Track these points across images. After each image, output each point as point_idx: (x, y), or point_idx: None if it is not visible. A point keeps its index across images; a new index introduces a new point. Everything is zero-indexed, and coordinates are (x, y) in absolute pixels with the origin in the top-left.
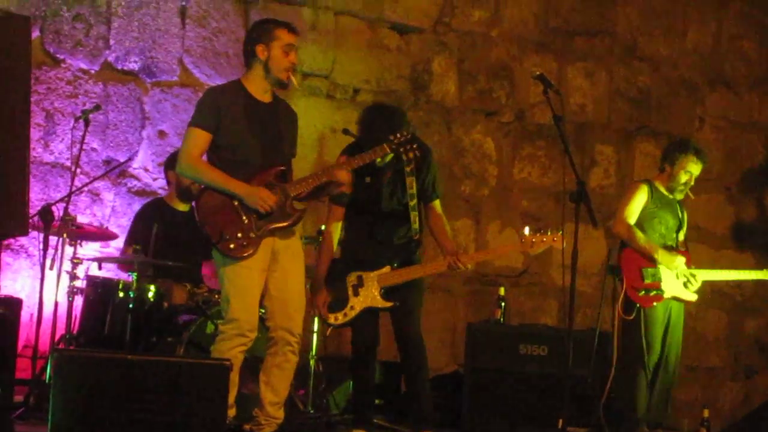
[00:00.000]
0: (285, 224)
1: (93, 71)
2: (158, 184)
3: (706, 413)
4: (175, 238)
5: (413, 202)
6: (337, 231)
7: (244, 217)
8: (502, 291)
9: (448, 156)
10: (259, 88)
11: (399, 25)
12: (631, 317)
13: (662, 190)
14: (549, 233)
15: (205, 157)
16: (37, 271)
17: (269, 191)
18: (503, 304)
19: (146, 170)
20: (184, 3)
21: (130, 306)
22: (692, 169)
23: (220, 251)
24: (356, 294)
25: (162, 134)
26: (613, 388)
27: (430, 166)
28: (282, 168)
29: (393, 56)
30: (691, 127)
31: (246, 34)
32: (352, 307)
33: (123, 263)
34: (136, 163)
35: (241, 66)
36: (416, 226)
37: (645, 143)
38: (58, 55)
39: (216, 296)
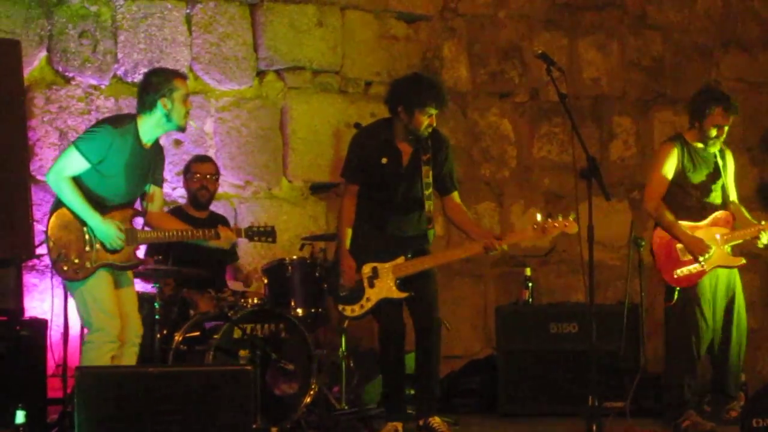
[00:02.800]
0: (121, 266)
1: (103, 86)
2: (177, 193)
3: (743, 377)
4: (197, 246)
5: (428, 191)
6: (353, 207)
7: (87, 246)
8: (528, 271)
9: (465, 141)
10: (149, 134)
11: (405, 14)
12: (672, 302)
13: (695, 144)
14: (560, 218)
15: (78, 171)
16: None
17: (121, 229)
18: (530, 284)
19: (165, 180)
20: (189, 11)
21: (156, 317)
22: (722, 121)
23: (54, 269)
24: (372, 285)
25: (177, 143)
26: (651, 368)
27: (447, 156)
28: (139, 210)
29: (402, 46)
30: None
31: (142, 85)
32: (368, 299)
33: (145, 275)
34: None
35: (251, 69)
36: (430, 215)
37: (663, 111)
38: (67, 74)
39: (241, 300)
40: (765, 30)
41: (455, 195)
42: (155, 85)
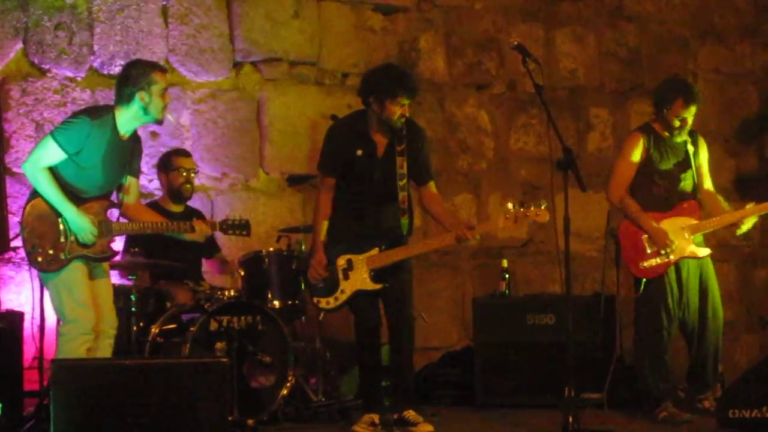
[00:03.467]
0: (96, 257)
1: (79, 78)
2: (154, 185)
3: (720, 368)
4: (173, 238)
5: (402, 182)
6: (329, 201)
7: (62, 238)
8: (505, 263)
9: (442, 132)
10: (126, 126)
11: (382, 5)
12: (638, 294)
13: (663, 134)
14: (532, 208)
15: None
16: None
17: (95, 224)
18: (507, 276)
19: (141, 172)
20: (165, 2)
21: (133, 309)
22: (684, 113)
23: (28, 260)
24: (346, 278)
25: (154, 135)
26: (629, 358)
27: (423, 146)
28: (114, 201)
29: (379, 37)
30: None
31: (121, 77)
32: (342, 291)
33: (122, 268)
34: None
35: (227, 61)
36: (404, 206)
37: (639, 103)
38: (43, 65)
39: (218, 293)
40: (741, 21)
41: (431, 185)
42: (134, 78)
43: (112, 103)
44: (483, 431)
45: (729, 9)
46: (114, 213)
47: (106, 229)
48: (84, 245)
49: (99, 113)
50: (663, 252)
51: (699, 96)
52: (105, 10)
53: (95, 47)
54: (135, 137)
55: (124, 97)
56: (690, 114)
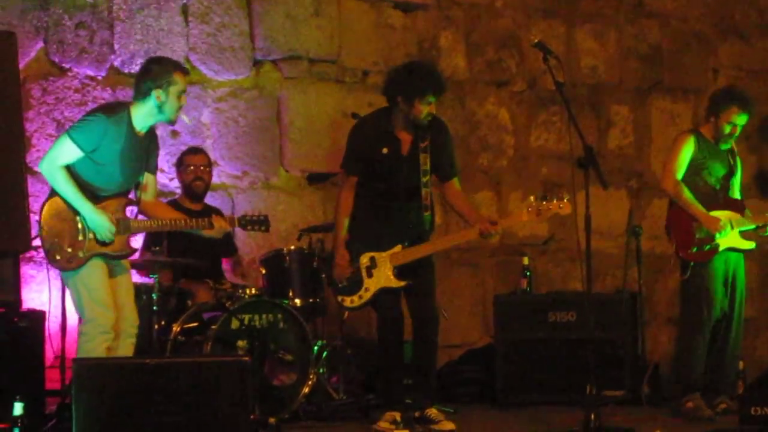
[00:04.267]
0: (114, 255)
1: (100, 77)
2: (175, 184)
3: (741, 365)
4: (194, 236)
5: (426, 179)
6: (351, 200)
7: (80, 236)
8: (526, 260)
9: (463, 130)
10: (142, 122)
11: (402, 3)
12: (686, 277)
13: (709, 139)
14: (555, 201)
15: (71, 160)
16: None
17: (113, 221)
18: (528, 273)
19: (162, 171)
20: (185, 1)
21: (155, 308)
22: (736, 120)
23: (47, 259)
24: (370, 275)
25: (175, 134)
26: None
27: (446, 143)
28: (132, 199)
29: (399, 35)
30: (705, 79)
31: (142, 71)
32: (366, 289)
33: (143, 266)
34: None
35: (248, 59)
36: (427, 203)
37: (660, 100)
38: (63, 65)
39: (240, 291)
40: (763, 18)
41: (455, 181)
42: (154, 74)
43: (128, 100)
44: (504, 429)
45: (750, 5)
46: (133, 211)
47: (124, 227)
48: (103, 243)
49: (114, 110)
50: (717, 236)
51: (754, 108)
52: (125, 8)
53: (116, 46)
54: (152, 134)
55: (141, 92)
56: (741, 122)
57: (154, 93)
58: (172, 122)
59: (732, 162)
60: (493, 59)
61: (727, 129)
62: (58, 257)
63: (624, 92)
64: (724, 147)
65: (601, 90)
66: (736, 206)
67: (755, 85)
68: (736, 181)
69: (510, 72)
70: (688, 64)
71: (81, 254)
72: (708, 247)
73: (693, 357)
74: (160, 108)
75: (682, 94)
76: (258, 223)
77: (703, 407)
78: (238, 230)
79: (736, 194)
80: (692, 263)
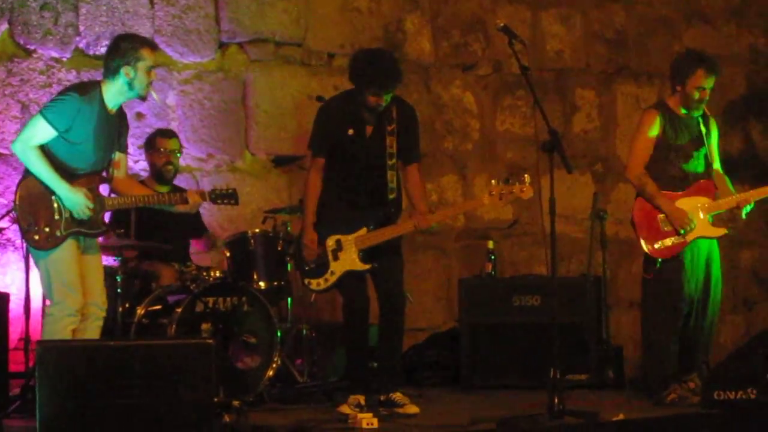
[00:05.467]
0: (92, 233)
1: (65, 59)
2: (140, 166)
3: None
4: (160, 218)
5: (392, 162)
6: (319, 181)
7: (56, 215)
8: (491, 244)
9: (428, 113)
10: (113, 100)
11: None
12: (651, 275)
13: (677, 111)
14: (517, 184)
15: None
16: None
17: (89, 197)
18: (493, 257)
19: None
20: None
21: (118, 290)
22: (704, 83)
23: (24, 239)
24: (336, 258)
25: (140, 116)
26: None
27: (413, 128)
28: (104, 176)
29: (365, 18)
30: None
31: (110, 49)
32: (332, 272)
33: (108, 248)
34: None
35: (213, 42)
36: (393, 185)
37: (626, 84)
38: (28, 46)
39: (204, 273)
40: (728, 2)
41: (415, 167)
42: (122, 51)
43: (98, 79)
44: (469, 412)
45: None
46: (106, 189)
47: (99, 205)
48: (80, 221)
49: (86, 89)
50: (681, 232)
51: (719, 67)
52: None
53: (81, 28)
54: (122, 112)
55: (110, 69)
56: (709, 85)
57: (123, 70)
58: (143, 98)
59: (701, 131)
60: (458, 43)
61: (696, 95)
62: (36, 237)
63: (589, 76)
64: (696, 113)
65: (566, 74)
66: (706, 190)
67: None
68: (714, 149)
69: (476, 56)
70: (653, 48)
71: (59, 233)
72: (675, 240)
73: (665, 351)
74: (130, 84)
75: (647, 79)
76: (227, 196)
77: (685, 396)
78: (203, 212)
79: (716, 163)
80: (660, 259)
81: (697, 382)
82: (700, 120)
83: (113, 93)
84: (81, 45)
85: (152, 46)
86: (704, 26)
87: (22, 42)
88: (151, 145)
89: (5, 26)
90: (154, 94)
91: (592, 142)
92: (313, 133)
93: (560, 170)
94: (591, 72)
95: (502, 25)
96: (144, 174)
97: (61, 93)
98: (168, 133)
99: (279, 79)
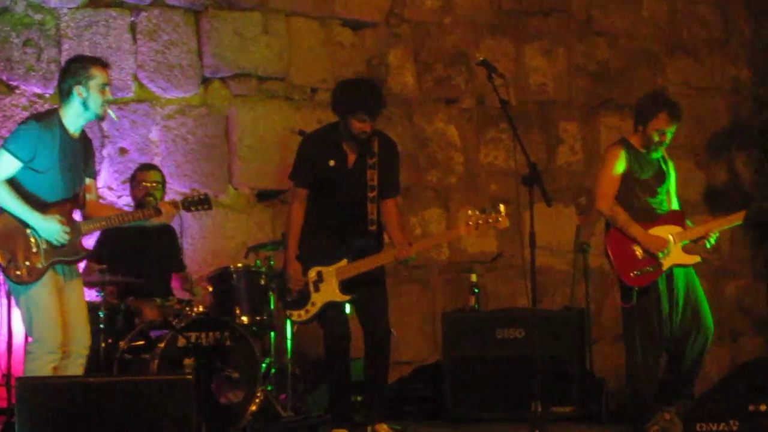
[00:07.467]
0: (71, 259)
1: (48, 95)
2: (123, 201)
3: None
4: (142, 253)
5: (372, 194)
6: (301, 212)
7: (34, 248)
8: (474, 278)
9: (412, 147)
10: (73, 123)
11: (351, 21)
12: (630, 305)
13: (639, 149)
14: (493, 214)
15: (11, 172)
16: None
17: (63, 222)
18: (477, 290)
19: (110, 189)
20: (134, 18)
21: (101, 326)
22: (665, 127)
23: (6, 275)
24: (317, 290)
25: (123, 151)
26: (598, 372)
27: (393, 162)
28: (76, 202)
29: (348, 53)
30: None
31: (61, 71)
32: (313, 303)
33: (91, 284)
34: (99, 183)
35: (196, 77)
36: (373, 217)
37: (609, 117)
38: (11, 82)
39: (186, 308)
40: (710, 35)
41: (393, 201)
42: (72, 71)
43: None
44: None
45: (698, 23)
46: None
47: (75, 230)
48: (59, 249)
49: (44, 116)
50: (659, 255)
51: (681, 113)
52: (73, 26)
53: (63, 64)
54: (85, 137)
55: (64, 92)
56: (671, 131)
57: (75, 90)
58: (100, 118)
59: (665, 168)
60: (442, 76)
61: (656, 137)
62: (18, 273)
63: (573, 109)
64: (655, 156)
65: (550, 107)
66: (676, 219)
67: (703, 102)
68: (672, 189)
69: (459, 89)
70: (636, 81)
71: (40, 265)
72: (651, 268)
73: (646, 380)
74: (84, 104)
75: (630, 111)
76: (200, 202)
77: (668, 427)
78: (186, 246)
79: (674, 204)
80: (636, 288)
81: (673, 415)
82: (661, 160)
83: (72, 116)
84: None
85: (102, 64)
86: (687, 58)
87: (5, 78)
88: (132, 179)
89: None
90: (111, 113)
91: (575, 175)
92: (295, 163)
93: (542, 203)
94: (574, 105)
95: (481, 59)
96: (128, 210)
97: (20, 124)
98: (147, 167)
99: (262, 113)
